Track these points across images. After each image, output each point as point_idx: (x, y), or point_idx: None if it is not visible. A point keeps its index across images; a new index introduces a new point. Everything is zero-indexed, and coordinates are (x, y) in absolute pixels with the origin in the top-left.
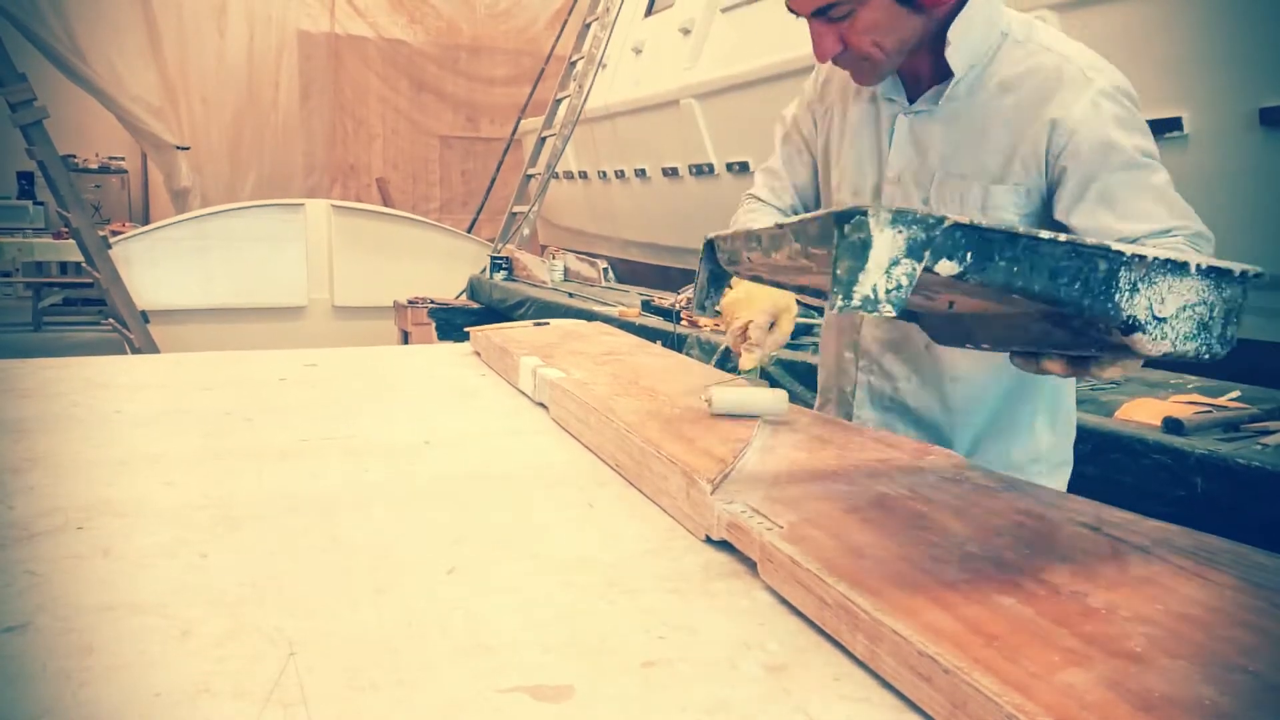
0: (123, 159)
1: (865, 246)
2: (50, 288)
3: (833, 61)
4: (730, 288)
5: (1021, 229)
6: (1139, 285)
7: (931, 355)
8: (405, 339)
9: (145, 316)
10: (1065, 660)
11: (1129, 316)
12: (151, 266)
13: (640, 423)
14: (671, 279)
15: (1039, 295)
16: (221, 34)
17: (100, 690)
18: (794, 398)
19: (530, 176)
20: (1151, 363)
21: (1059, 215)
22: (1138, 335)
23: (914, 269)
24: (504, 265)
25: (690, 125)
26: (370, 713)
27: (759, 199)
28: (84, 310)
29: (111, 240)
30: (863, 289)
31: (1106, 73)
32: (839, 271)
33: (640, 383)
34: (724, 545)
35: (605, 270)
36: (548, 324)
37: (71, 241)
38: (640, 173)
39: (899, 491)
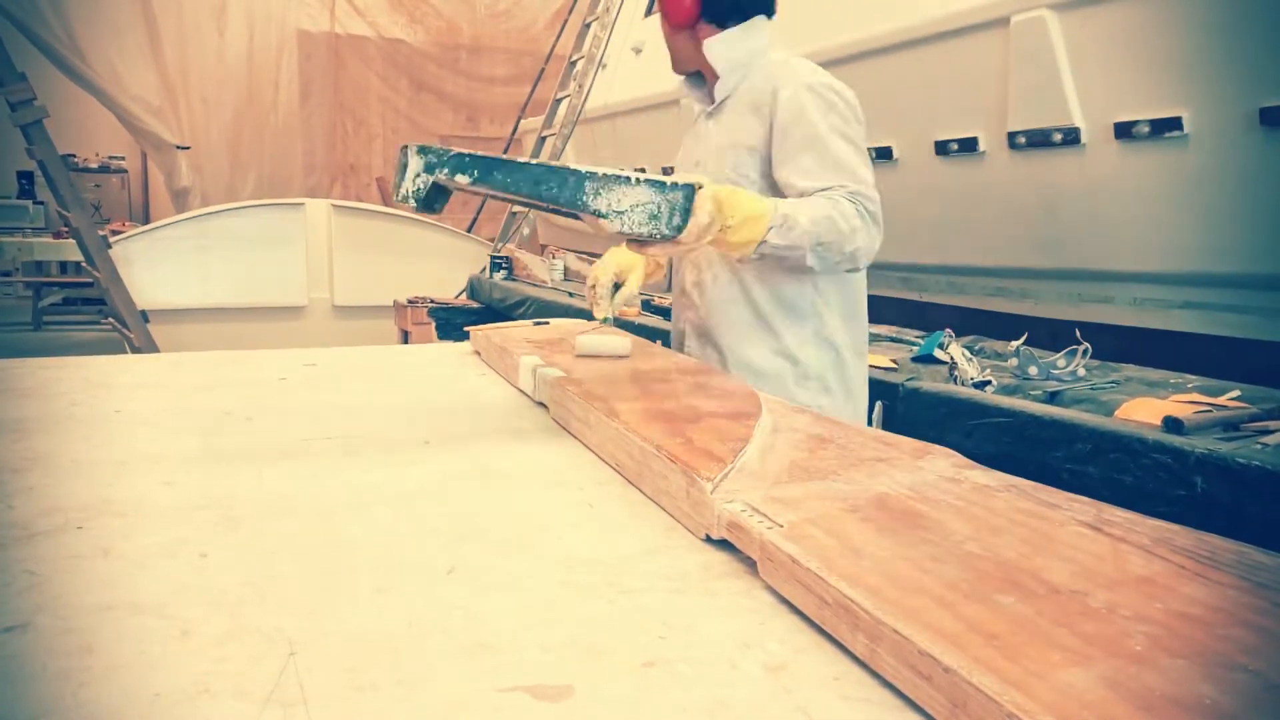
0: (123, 159)
1: (404, 166)
2: (50, 287)
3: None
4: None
5: (510, 157)
6: (600, 191)
7: (716, 286)
8: (405, 339)
9: (145, 316)
10: (1065, 660)
11: (595, 209)
12: (151, 266)
13: (640, 422)
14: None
15: (535, 196)
16: (221, 34)
17: (100, 690)
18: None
19: None
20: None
21: (773, 172)
22: (603, 221)
23: (427, 180)
24: (504, 265)
25: None
26: (370, 713)
27: None
28: (84, 310)
29: (111, 240)
30: (402, 190)
31: (817, 74)
32: (395, 179)
33: (640, 382)
34: (724, 545)
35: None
36: (548, 324)
37: (71, 241)
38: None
39: (899, 491)
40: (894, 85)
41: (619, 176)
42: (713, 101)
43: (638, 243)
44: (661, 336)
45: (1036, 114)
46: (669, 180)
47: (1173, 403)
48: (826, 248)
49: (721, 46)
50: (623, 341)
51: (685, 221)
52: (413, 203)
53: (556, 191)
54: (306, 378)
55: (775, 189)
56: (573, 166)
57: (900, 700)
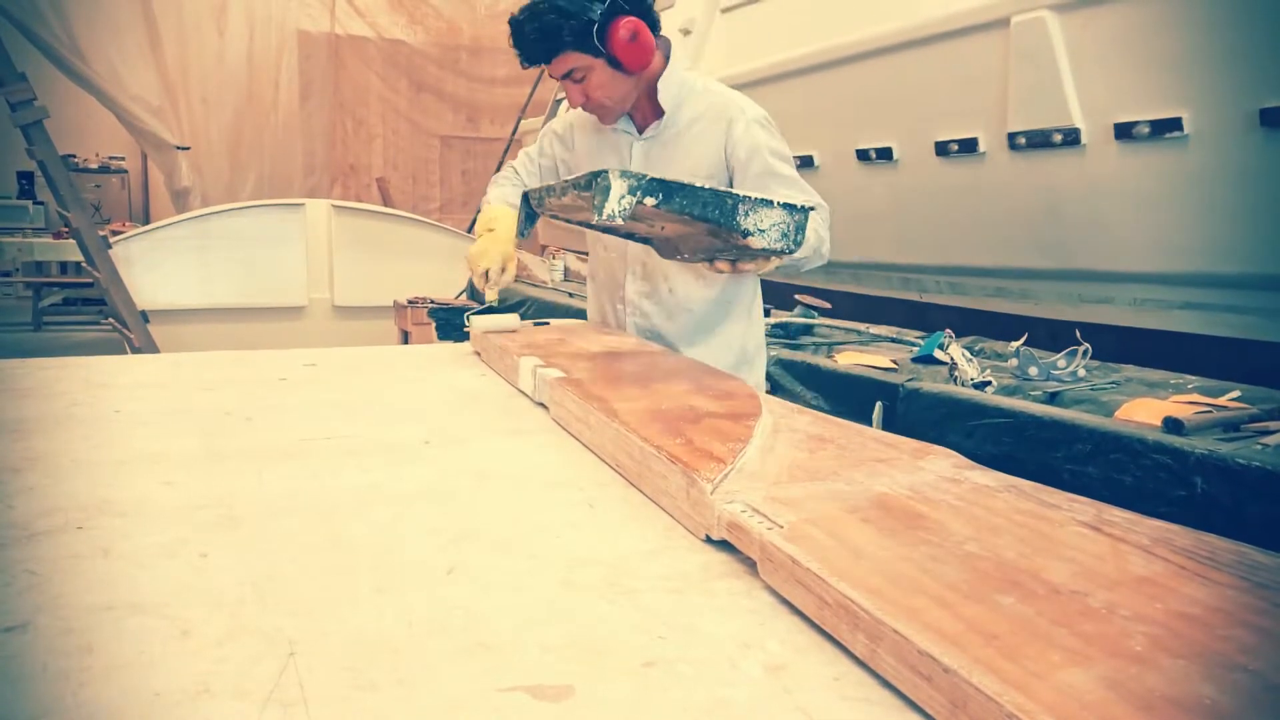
0: (123, 159)
1: (607, 189)
2: (50, 287)
3: (582, 108)
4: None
5: (689, 183)
6: (749, 213)
7: (673, 297)
8: (405, 339)
9: (145, 316)
10: (1065, 660)
11: (745, 229)
12: (151, 266)
13: (640, 423)
14: None
15: (700, 217)
16: (221, 34)
17: (100, 690)
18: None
19: None
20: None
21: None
22: (751, 238)
23: (631, 201)
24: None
25: None
26: (370, 713)
27: (514, 169)
28: (84, 310)
29: (111, 240)
30: (607, 210)
31: (753, 106)
32: (595, 200)
33: (640, 383)
34: (724, 545)
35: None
36: (548, 324)
37: (71, 241)
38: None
39: (899, 491)
40: (894, 85)
41: (764, 200)
42: (640, 132)
43: (728, 261)
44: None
45: (1036, 114)
46: (795, 203)
47: (1173, 403)
48: (815, 255)
49: (671, 82)
50: (512, 317)
51: (802, 239)
52: (618, 222)
53: (717, 213)
54: (306, 378)
55: None
56: (727, 190)
57: (900, 701)
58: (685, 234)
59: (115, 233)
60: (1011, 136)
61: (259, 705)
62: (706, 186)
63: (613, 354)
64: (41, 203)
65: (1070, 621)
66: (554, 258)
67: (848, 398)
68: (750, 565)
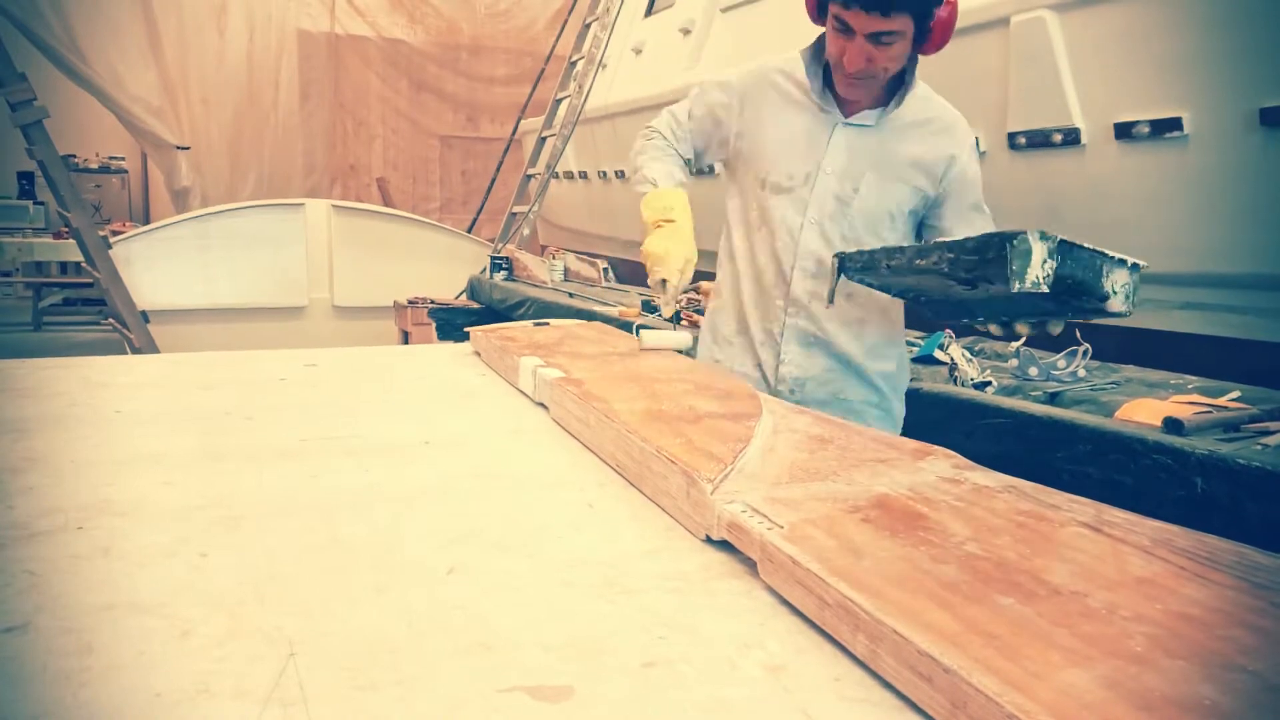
0: (123, 159)
1: (1028, 252)
2: (50, 288)
3: (858, 73)
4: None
5: (1087, 245)
6: (1108, 273)
7: (846, 303)
8: (405, 339)
9: (145, 316)
10: (1065, 660)
11: (1104, 292)
12: (151, 266)
13: (640, 423)
14: None
15: (1077, 280)
16: (221, 34)
17: (100, 690)
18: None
19: (530, 176)
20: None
21: (937, 214)
22: (1109, 300)
23: (1052, 265)
24: (504, 265)
25: None
26: (370, 713)
27: (661, 135)
28: (84, 310)
29: (111, 240)
30: (1030, 276)
31: (967, 128)
32: (1013, 266)
33: (640, 383)
34: (724, 545)
35: (605, 270)
36: (548, 324)
37: (71, 241)
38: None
39: (899, 491)
40: None
41: (1118, 259)
42: (845, 115)
43: (1028, 324)
44: None
45: (1036, 114)
46: (1129, 260)
47: (1173, 403)
48: None
49: (909, 77)
50: (689, 334)
51: (1138, 300)
52: (1043, 289)
53: (1089, 275)
54: (306, 378)
55: (913, 212)
56: (1096, 248)
57: (900, 701)
58: (1015, 298)
59: (115, 233)
60: (1011, 136)
61: (259, 705)
62: (1096, 248)
63: (613, 354)
64: (41, 203)
65: (1070, 622)
66: (554, 258)
67: None
68: (750, 565)
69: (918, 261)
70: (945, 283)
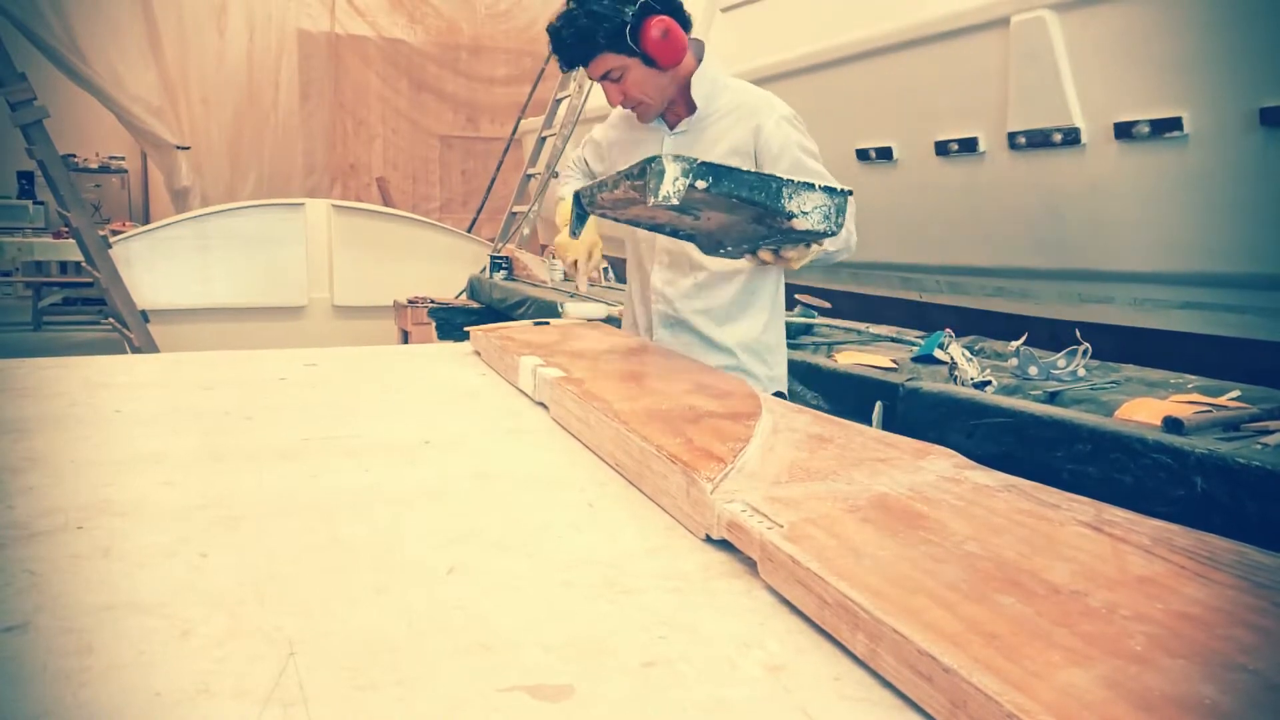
0: (123, 159)
1: (661, 172)
2: (50, 287)
3: (621, 106)
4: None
5: (737, 166)
6: (792, 195)
7: (698, 287)
8: (405, 339)
9: (145, 316)
10: (1065, 660)
11: (789, 211)
12: (151, 266)
13: (640, 422)
14: None
15: (748, 199)
16: (221, 34)
17: (100, 690)
18: (795, 397)
19: (530, 176)
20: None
21: None
22: (795, 220)
23: (685, 183)
24: (504, 265)
25: None
26: (370, 713)
27: (570, 169)
28: (84, 310)
29: (111, 240)
30: (664, 191)
31: (782, 104)
32: (650, 184)
33: (640, 382)
34: (724, 545)
35: (605, 270)
36: (548, 324)
37: (71, 241)
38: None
39: (899, 491)
40: (894, 85)
41: (806, 183)
42: (671, 127)
43: (771, 251)
44: None
45: (1036, 114)
46: (835, 186)
47: (1173, 403)
48: (846, 246)
49: (704, 79)
50: (601, 308)
51: (843, 222)
52: (674, 202)
53: (763, 195)
54: (306, 378)
55: None
56: (770, 174)
57: (900, 700)
58: (729, 223)
59: (115, 233)
60: (1011, 136)
61: (259, 705)
62: (754, 170)
63: (612, 353)
64: (41, 203)
65: (1070, 621)
66: (554, 258)
67: (848, 397)
68: (750, 565)
69: (615, 192)
70: (650, 212)
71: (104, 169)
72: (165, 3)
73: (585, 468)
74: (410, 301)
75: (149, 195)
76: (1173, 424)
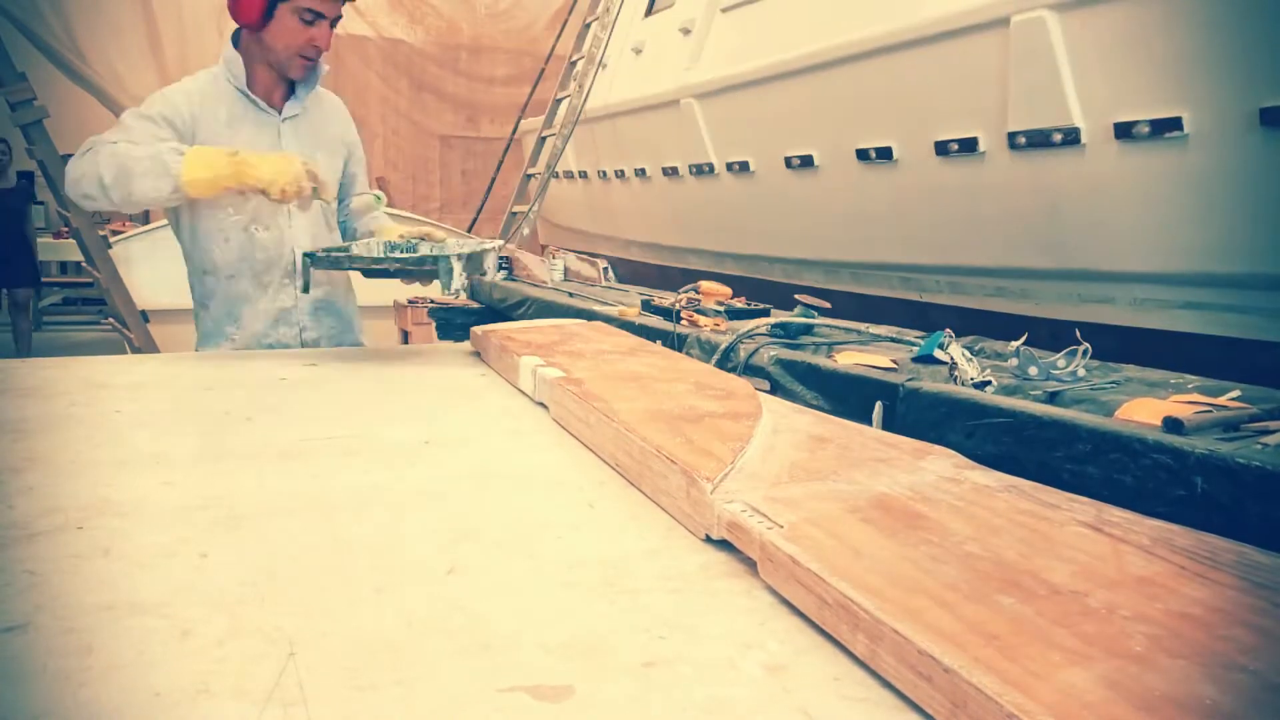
0: None
1: (451, 270)
2: (50, 287)
3: (312, 55)
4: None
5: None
6: (443, 265)
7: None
8: (405, 339)
9: (145, 316)
10: (1065, 660)
11: (449, 285)
12: (151, 266)
13: (640, 422)
14: (671, 279)
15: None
16: (221, 34)
17: (100, 690)
18: (795, 397)
19: (530, 176)
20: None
21: (345, 181)
22: (445, 286)
23: (464, 280)
24: (504, 265)
25: (690, 125)
26: (370, 713)
27: (115, 143)
28: (84, 310)
29: (111, 240)
30: (455, 286)
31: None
32: (443, 280)
33: (640, 382)
34: (724, 545)
35: (605, 270)
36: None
37: (71, 241)
38: (640, 172)
39: (899, 491)
40: (894, 85)
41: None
42: (279, 110)
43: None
44: (661, 336)
45: (1036, 114)
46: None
47: (1173, 403)
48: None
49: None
50: (488, 241)
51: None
52: (461, 296)
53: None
54: (306, 378)
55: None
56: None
57: (900, 700)
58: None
59: (115, 233)
60: (1011, 136)
61: (259, 705)
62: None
63: (613, 354)
64: (41, 202)
65: (1070, 621)
66: (554, 258)
67: (848, 398)
68: (750, 565)
69: (376, 264)
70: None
71: None
72: (165, 3)
73: (585, 468)
74: (410, 301)
75: None
76: (1173, 424)
